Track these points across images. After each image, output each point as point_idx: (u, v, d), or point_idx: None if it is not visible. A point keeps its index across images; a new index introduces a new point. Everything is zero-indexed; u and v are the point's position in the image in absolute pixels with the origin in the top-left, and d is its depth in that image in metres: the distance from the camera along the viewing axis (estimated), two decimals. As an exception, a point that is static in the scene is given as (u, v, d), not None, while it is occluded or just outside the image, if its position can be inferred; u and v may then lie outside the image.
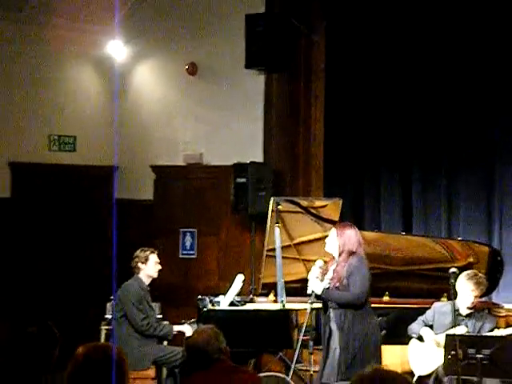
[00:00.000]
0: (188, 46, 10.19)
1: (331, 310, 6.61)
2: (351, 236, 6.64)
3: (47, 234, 9.82)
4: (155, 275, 7.76)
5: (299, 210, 7.72)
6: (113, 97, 10.31)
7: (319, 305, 6.87)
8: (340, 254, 6.62)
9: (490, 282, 7.45)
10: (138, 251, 7.73)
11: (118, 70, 10.12)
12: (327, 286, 6.62)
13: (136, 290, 7.60)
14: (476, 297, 6.80)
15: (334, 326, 6.59)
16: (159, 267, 7.75)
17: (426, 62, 9.20)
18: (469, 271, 6.92)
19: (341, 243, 6.61)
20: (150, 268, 7.69)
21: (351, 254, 6.60)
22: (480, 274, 6.92)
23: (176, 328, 7.68)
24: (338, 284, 6.56)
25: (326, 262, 6.81)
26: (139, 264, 7.67)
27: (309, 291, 6.62)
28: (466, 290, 6.76)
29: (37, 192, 9.85)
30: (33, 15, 9.63)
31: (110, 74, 10.29)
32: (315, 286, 6.59)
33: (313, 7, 9.75)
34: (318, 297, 6.64)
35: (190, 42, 10.17)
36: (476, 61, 8.96)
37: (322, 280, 6.64)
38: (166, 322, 7.89)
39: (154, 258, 7.72)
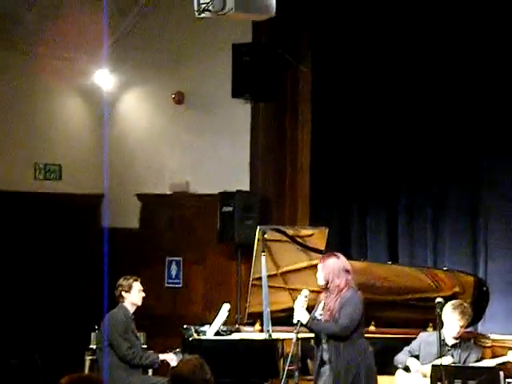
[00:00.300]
0: (175, 74, 10.22)
1: (323, 340, 6.59)
2: (334, 265, 6.62)
3: (32, 263, 9.75)
4: (139, 303, 7.72)
5: (285, 238, 7.71)
6: (99, 125, 10.30)
7: (305, 334, 6.84)
8: (327, 285, 6.61)
9: (476, 312, 7.45)
10: (120, 280, 7.69)
11: (104, 98, 10.13)
12: (317, 318, 6.58)
13: (121, 319, 7.56)
14: (462, 327, 6.80)
15: (326, 356, 6.56)
16: (143, 295, 7.72)
17: (411, 90, 9.23)
18: (454, 301, 6.92)
19: (325, 274, 6.60)
20: (133, 296, 7.65)
21: (342, 288, 6.58)
22: (465, 304, 6.92)
23: (161, 357, 7.63)
24: (328, 318, 6.53)
25: (312, 291, 6.79)
26: (123, 293, 7.63)
27: (294, 321, 6.60)
28: (452, 320, 6.76)
29: (22, 220, 9.80)
30: (19, 44, 9.63)
31: (97, 103, 10.30)
32: (301, 315, 6.56)
33: (299, 36, 9.81)
34: (303, 326, 6.61)
35: (176, 71, 10.21)
36: (463, 86, 8.99)
37: (308, 310, 6.61)
38: (151, 351, 7.85)
39: (137, 286, 7.68)
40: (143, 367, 7.65)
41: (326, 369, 6.53)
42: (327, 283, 6.60)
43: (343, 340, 6.49)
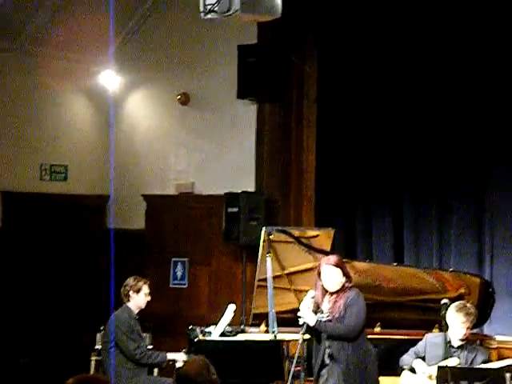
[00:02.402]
0: (180, 75, 10.23)
1: (327, 341, 6.57)
2: (345, 264, 6.68)
3: (39, 263, 9.78)
4: (143, 306, 7.72)
5: (291, 239, 7.70)
6: (105, 125, 10.32)
7: (311, 335, 6.83)
8: (343, 287, 6.62)
9: (482, 313, 7.43)
10: (131, 279, 7.68)
11: (110, 99, 10.15)
12: (326, 319, 6.58)
13: (126, 320, 7.56)
14: (468, 328, 6.77)
15: (329, 358, 6.54)
16: (149, 299, 7.72)
17: (416, 92, 9.23)
18: (458, 303, 6.88)
19: (345, 274, 6.62)
20: (140, 299, 7.65)
21: (349, 286, 6.61)
22: (469, 305, 6.89)
23: (169, 356, 7.62)
24: (337, 317, 6.52)
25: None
26: (130, 292, 7.63)
27: (301, 322, 6.59)
28: (457, 322, 6.74)
29: (28, 221, 9.82)
30: (25, 45, 9.66)
31: (103, 104, 10.32)
32: (308, 317, 6.55)
33: (305, 37, 9.81)
34: (309, 328, 6.59)
35: (182, 72, 10.22)
36: (468, 89, 8.99)
37: (314, 311, 6.60)
38: (158, 351, 7.84)
39: (145, 289, 7.69)
40: (152, 366, 7.66)
41: (333, 370, 6.51)
42: (344, 284, 6.61)
43: (350, 341, 6.49)
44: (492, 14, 8.76)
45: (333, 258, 6.69)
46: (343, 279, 6.61)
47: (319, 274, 6.65)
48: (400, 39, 9.24)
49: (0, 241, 9.61)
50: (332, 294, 6.61)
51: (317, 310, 6.60)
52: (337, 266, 6.60)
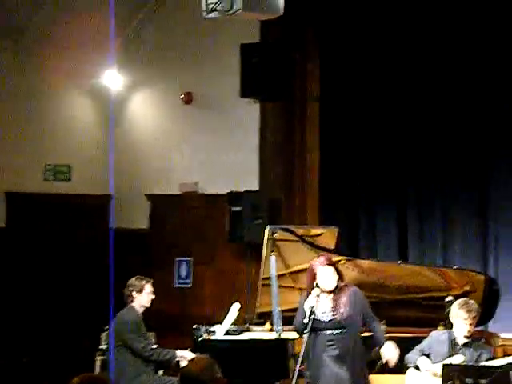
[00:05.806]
0: (183, 74, 10.23)
1: (330, 341, 6.59)
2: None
3: (42, 263, 9.78)
4: (148, 305, 7.70)
5: (295, 238, 7.70)
6: (107, 125, 10.32)
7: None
8: (338, 285, 6.64)
9: (487, 310, 7.42)
10: (133, 279, 7.66)
11: (113, 98, 10.15)
12: (330, 319, 6.60)
13: (133, 319, 7.55)
14: (471, 325, 6.74)
15: (335, 352, 6.56)
16: (153, 297, 7.69)
17: (418, 88, 9.23)
18: (459, 300, 6.85)
19: (339, 274, 6.64)
20: (144, 298, 7.63)
21: (346, 283, 6.64)
22: (471, 302, 6.86)
23: (179, 353, 7.58)
24: (345, 315, 6.56)
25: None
26: (133, 293, 7.61)
27: (305, 320, 6.58)
28: (459, 320, 6.72)
29: (32, 221, 9.83)
30: (28, 45, 9.67)
31: (105, 103, 10.31)
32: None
33: (307, 36, 9.81)
34: (312, 327, 6.58)
35: (185, 71, 10.22)
36: (470, 83, 9.00)
37: (313, 311, 6.60)
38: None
39: (148, 288, 7.66)
40: (162, 364, 7.64)
41: (342, 364, 6.54)
42: (338, 283, 6.64)
43: (357, 339, 6.62)
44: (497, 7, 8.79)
45: (324, 258, 6.71)
46: (337, 277, 6.64)
47: (313, 276, 6.65)
48: (401, 35, 9.25)
49: (4, 241, 9.63)
50: (330, 292, 6.62)
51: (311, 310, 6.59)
52: (330, 264, 6.64)
